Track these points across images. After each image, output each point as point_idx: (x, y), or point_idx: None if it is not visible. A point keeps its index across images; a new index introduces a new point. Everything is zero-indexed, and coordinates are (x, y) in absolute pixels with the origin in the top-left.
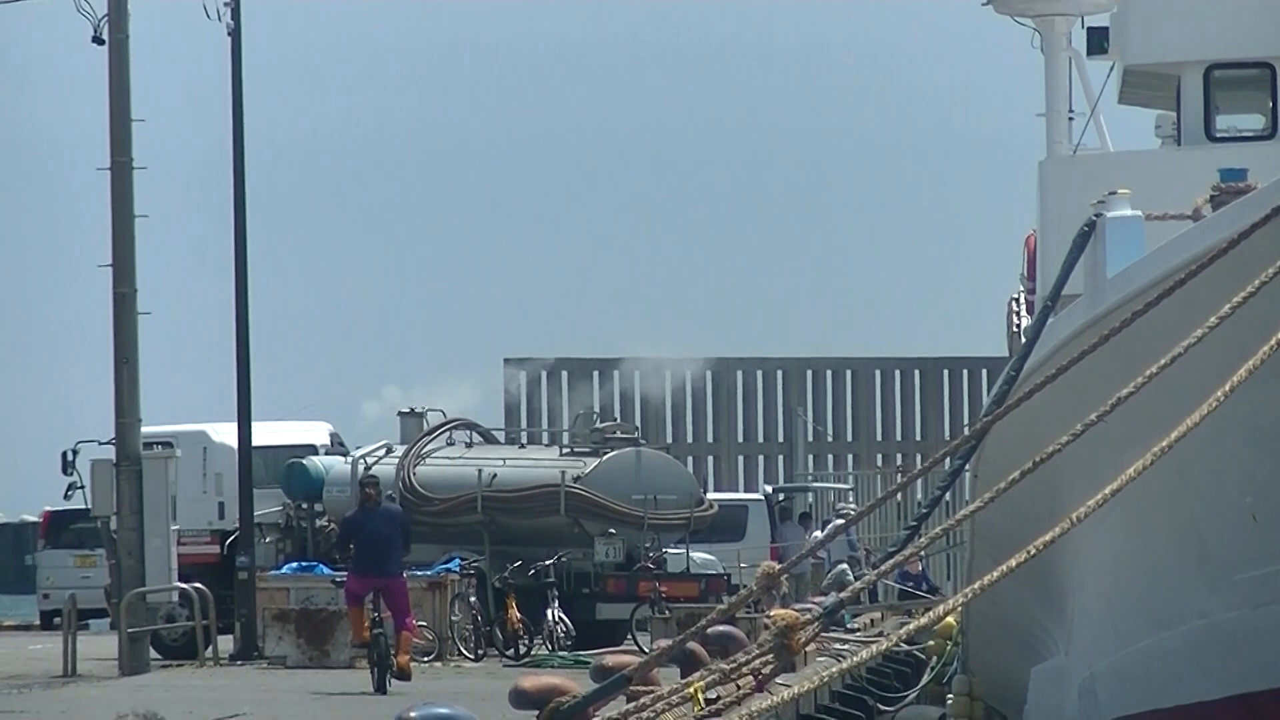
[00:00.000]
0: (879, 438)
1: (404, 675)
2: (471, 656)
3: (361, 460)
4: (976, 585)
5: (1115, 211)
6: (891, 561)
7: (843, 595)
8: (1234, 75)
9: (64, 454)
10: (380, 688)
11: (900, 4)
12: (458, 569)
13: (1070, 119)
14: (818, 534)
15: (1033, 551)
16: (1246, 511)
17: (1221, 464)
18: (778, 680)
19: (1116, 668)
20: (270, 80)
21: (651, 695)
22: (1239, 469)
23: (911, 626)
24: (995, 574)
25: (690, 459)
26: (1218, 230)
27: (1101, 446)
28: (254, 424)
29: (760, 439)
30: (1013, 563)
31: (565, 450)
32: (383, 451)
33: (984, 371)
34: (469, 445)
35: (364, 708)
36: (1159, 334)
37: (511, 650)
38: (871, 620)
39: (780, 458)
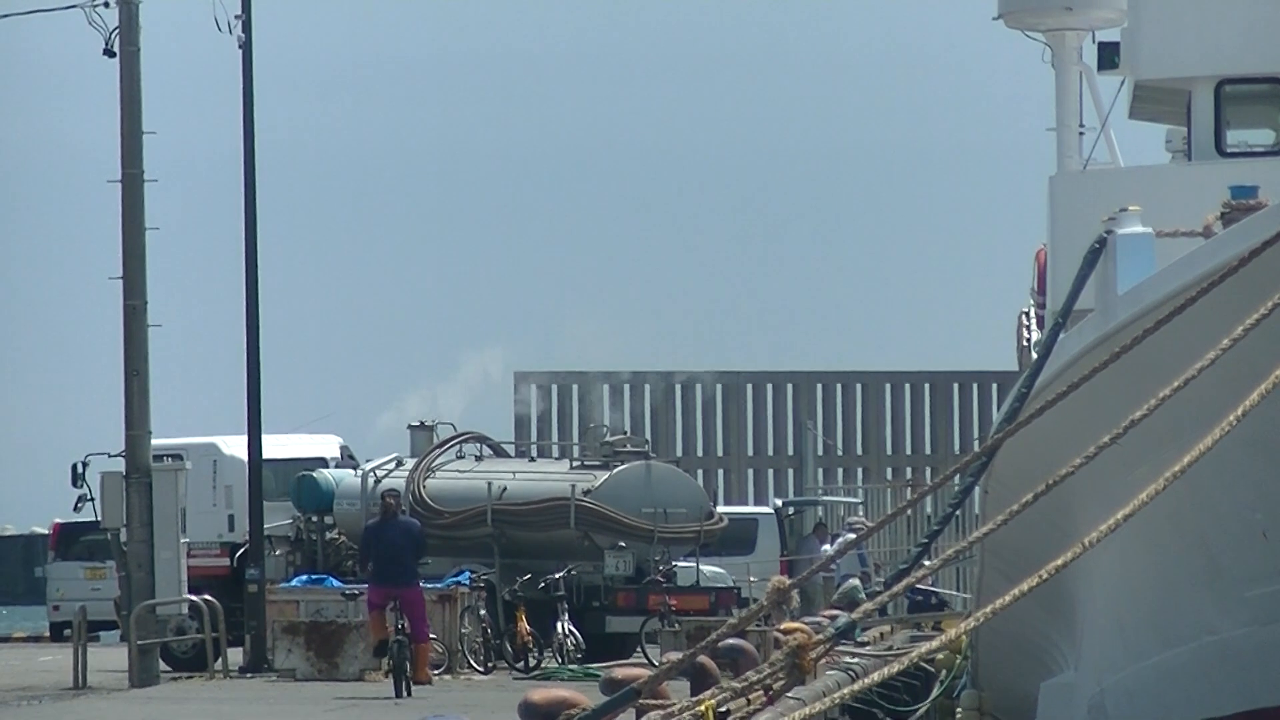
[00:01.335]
0: (889, 451)
1: (424, 683)
2: (481, 669)
3: (372, 473)
4: (988, 609)
5: (1126, 228)
6: (903, 583)
7: (854, 616)
8: (1245, 90)
9: (74, 466)
10: (402, 691)
11: (910, 17)
12: (467, 582)
13: (1080, 134)
14: (827, 548)
15: (1044, 576)
16: (1257, 528)
17: (1232, 481)
18: (788, 696)
19: (1126, 684)
20: (281, 93)
21: (662, 712)
22: (1249, 486)
23: (924, 649)
24: (1007, 598)
25: (700, 472)
26: (1229, 247)
27: (1111, 461)
28: (264, 437)
29: (770, 452)
30: (1025, 586)
31: (575, 463)
32: (393, 464)
33: (994, 385)
34: (479, 458)
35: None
36: (1170, 351)
37: (521, 663)
38: (881, 633)
39: (790, 471)
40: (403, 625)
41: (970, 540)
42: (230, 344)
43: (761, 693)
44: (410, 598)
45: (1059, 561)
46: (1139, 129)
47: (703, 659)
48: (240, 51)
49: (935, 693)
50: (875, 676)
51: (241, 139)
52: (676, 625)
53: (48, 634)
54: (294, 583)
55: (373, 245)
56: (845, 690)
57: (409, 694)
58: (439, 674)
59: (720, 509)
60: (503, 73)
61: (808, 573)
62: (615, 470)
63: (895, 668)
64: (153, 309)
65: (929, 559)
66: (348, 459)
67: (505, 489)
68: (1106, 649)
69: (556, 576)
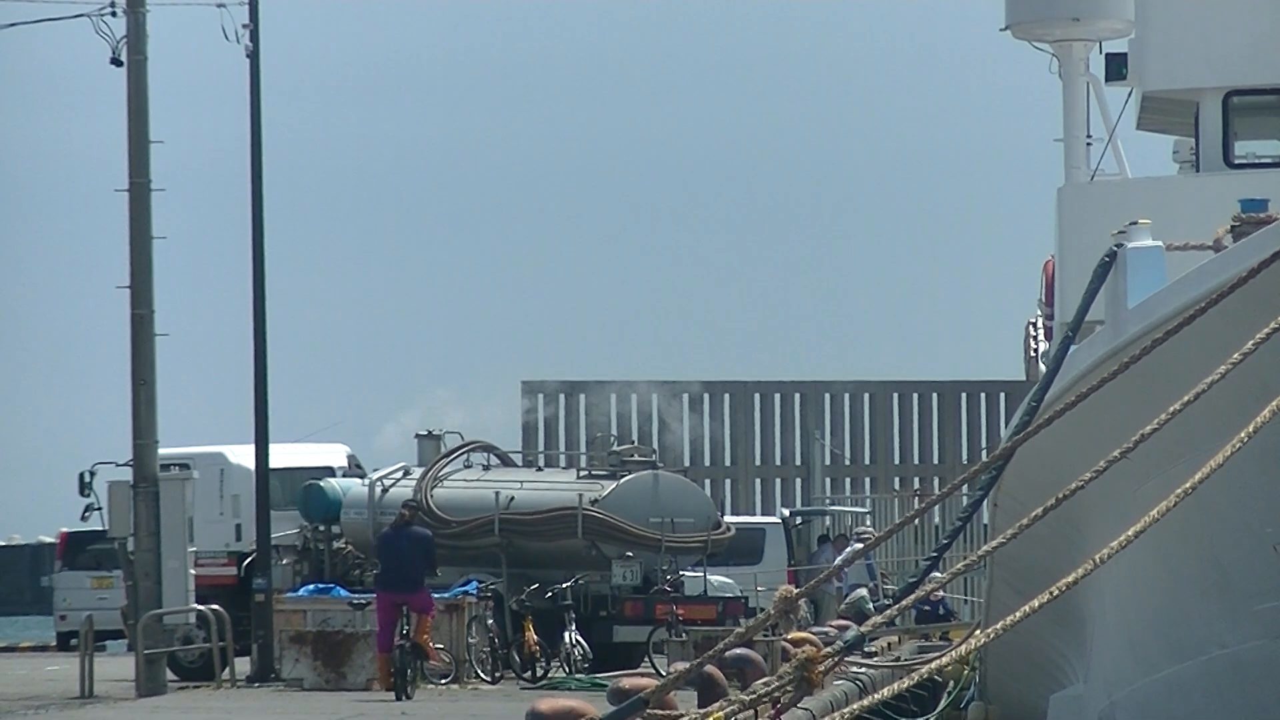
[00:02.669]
0: (896, 461)
1: (420, 651)
2: (488, 679)
3: (379, 483)
4: (998, 626)
5: (1136, 242)
6: (913, 596)
7: (863, 630)
8: (1253, 101)
9: (81, 475)
10: (401, 695)
11: (918, 28)
12: (475, 591)
13: (1088, 144)
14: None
15: (1055, 593)
16: (1267, 542)
17: (1242, 494)
18: (797, 707)
19: (1136, 697)
20: (288, 102)
21: None
22: (1259, 500)
23: (933, 665)
24: (1017, 615)
25: (707, 482)
26: (1239, 261)
27: (1121, 475)
28: (271, 446)
29: (778, 462)
30: (1035, 604)
31: (582, 473)
32: (400, 474)
33: (1002, 395)
34: (486, 468)
35: None
36: (1180, 364)
37: (528, 673)
38: (889, 644)
39: (798, 481)
40: (406, 631)
41: (980, 554)
42: (237, 353)
43: (769, 705)
44: (417, 600)
45: (1069, 579)
46: (1147, 140)
47: (710, 669)
48: (248, 60)
49: (943, 704)
50: (885, 692)
51: (249, 148)
52: (684, 635)
53: (54, 643)
54: (301, 592)
55: (380, 253)
56: (854, 705)
57: (409, 697)
58: (446, 683)
59: (727, 519)
60: (509, 81)
61: (814, 582)
62: (622, 480)
63: (905, 683)
64: (160, 318)
65: (938, 571)
66: (355, 468)
67: (512, 498)
68: (1116, 662)
69: (564, 586)
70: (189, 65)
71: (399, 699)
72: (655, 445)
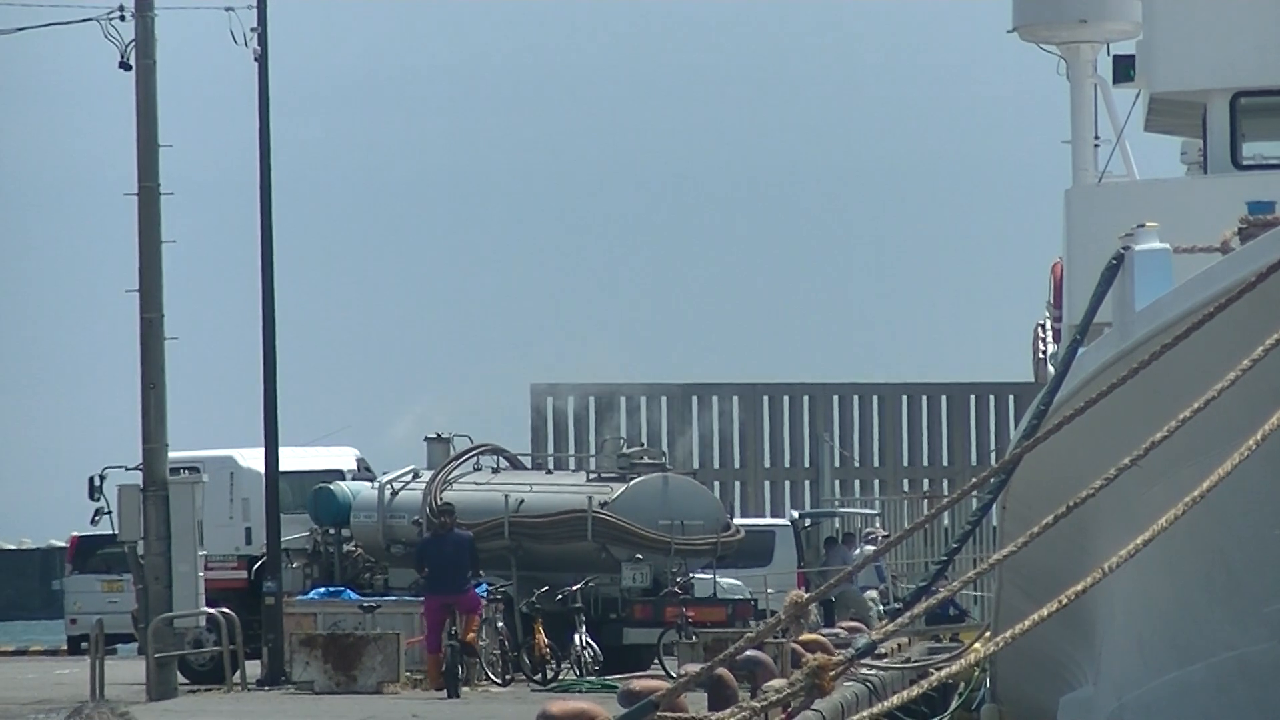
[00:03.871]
0: (905, 463)
1: (470, 650)
2: (499, 681)
3: (388, 485)
4: (1007, 634)
5: (1143, 244)
6: (923, 605)
7: (874, 636)
8: (1261, 103)
9: (91, 479)
10: (453, 693)
11: (925, 30)
12: (485, 594)
13: (1096, 146)
14: (858, 554)
15: (1064, 601)
16: (1275, 544)
17: (1250, 497)
18: (808, 710)
19: (1145, 699)
20: (296, 105)
21: None
22: (1267, 502)
23: (944, 673)
24: (1027, 623)
25: (717, 484)
26: (1245, 264)
27: (1128, 479)
28: (281, 449)
29: (787, 464)
30: (1044, 611)
31: (592, 476)
32: (410, 476)
33: (1010, 397)
34: (495, 470)
35: None
36: (1188, 368)
37: (539, 675)
38: (899, 645)
39: (807, 483)
40: (455, 631)
41: (990, 563)
42: (246, 356)
43: (780, 710)
44: (465, 600)
45: (1079, 587)
46: (1154, 142)
47: (721, 671)
48: (256, 64)
49: (954, 705)
50: (895, 699)
51: (257, 151)
52: (694, 637)
53: (65, 647)
54: (311, 595)
55: (388, 257)
56: (865, 713)
57: (458, 695)
58: None
59: (737, 521)
60: (519, 86)
61: (825, 587)
62: (632, 482)
63: (915, 691)
64: (169, 322)
65: (947, 574)
66: (364, 471)
67: (522, 501)
68: (1125, 664)
69: (573, 588)
70: (197, 69)
71: (450, 697)
72: (664, 447)
